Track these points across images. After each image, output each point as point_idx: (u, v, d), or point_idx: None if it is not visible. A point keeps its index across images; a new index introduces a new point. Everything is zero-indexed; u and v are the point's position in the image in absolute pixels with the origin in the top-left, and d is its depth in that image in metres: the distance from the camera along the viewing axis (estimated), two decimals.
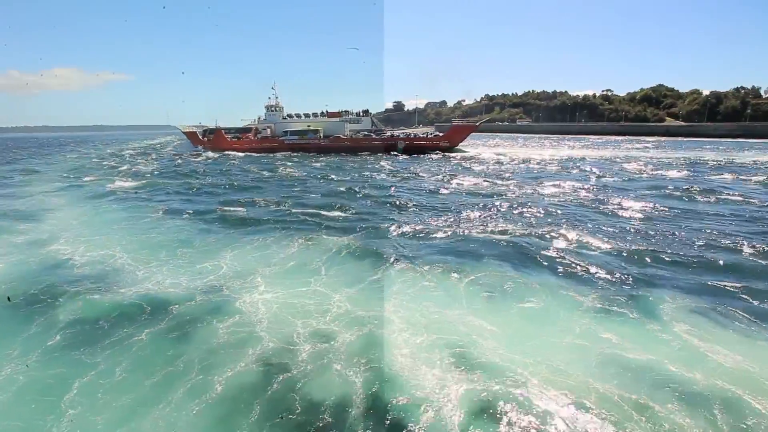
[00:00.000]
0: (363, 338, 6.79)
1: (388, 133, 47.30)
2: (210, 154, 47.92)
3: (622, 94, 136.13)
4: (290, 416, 5.20)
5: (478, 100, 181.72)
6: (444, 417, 5.03)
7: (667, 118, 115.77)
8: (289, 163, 37.16)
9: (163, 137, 65.27)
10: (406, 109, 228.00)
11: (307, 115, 49.91)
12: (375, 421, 5.04)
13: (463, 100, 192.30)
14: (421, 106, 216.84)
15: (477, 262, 10.09)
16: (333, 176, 27.75)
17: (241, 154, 45.76)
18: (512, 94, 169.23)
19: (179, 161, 41.38)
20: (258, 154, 45.90)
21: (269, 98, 51.87)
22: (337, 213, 15.98)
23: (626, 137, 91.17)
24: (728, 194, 19.50)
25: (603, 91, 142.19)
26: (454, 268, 9.67)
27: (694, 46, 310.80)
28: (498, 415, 5.09)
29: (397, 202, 17.86)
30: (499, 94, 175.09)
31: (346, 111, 49.26)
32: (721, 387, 5.55)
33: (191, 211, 16.49)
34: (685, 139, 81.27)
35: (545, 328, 7.04)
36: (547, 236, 12.30)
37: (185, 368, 6.19)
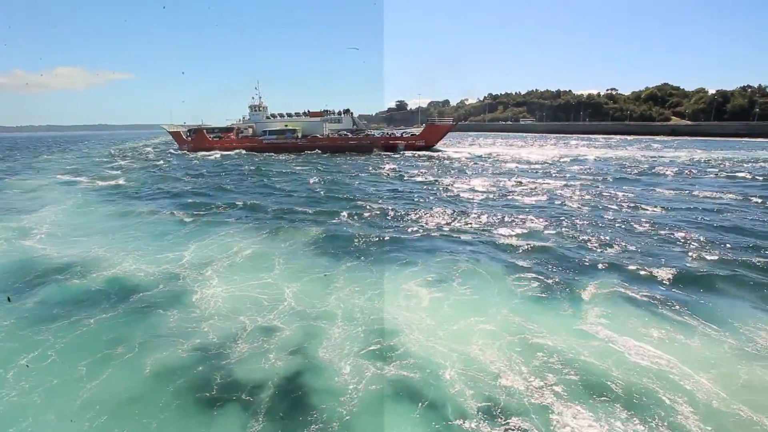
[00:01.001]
0: (300, 329, 6.97)
1: (366, 133, 48.20)
2: (192, 154, 48.30)
3: (627, 93, 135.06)
4: (207, 394, 5.48)
5: (481, 99, 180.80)
6: (352, 404, 5.20)
7: (673, 117, 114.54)
8: (262, 163, 37.65)
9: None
10: (408, 109, 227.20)
11: (290, 115, 50.30)
12: (288, 407, 5.19)
13: (466, 99, 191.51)
14: (424, 105, 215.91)
15: (423, 256, 10.38)
16: (301, 173, 28.25)
17: (218, 155, 46.14)
18: (515, 93, 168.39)
19: (157, 161, 41.60)
20: (236, 154, 46.48)
21: (252, 98, 52.38)
22: (298, 209, 16.38)
23: (633, 136, 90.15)
24: None
25: (607, 90, 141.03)
26: (399, 262, 9.98)
27: (699, 44, 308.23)
28: (405, 400, 5.26)
29: (357, 201, 17.92)
30: (503, 93, 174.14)
31: (326, 111, 49.58)
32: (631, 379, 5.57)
33: (158, 208, 16.91)
34: (691, 138, 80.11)
35: (474, 317, 7.25)
36: (485, 229, 12.98)
37: (123, 350, 6.47)
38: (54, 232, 13.34)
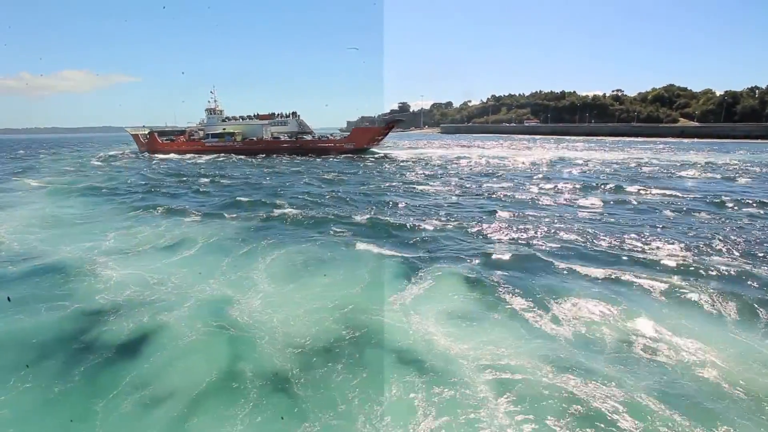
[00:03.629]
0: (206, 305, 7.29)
1: (310, 136, 49.14)
2: (142, 156, 49.69)
3: (633, 94, 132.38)
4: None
5: (485, 100, 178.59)
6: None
7: (681, 118, 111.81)
8: (197, 164, 38.67)
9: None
10: (411, 110, 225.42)
11: (243, 118, 51.39)
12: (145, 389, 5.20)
13: (469, 101, 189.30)
14: (427, 107, 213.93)
15: (311, 245, 10.84)
16: (216, 174, 29.44)
17: (164, 156, 47.46)
18: (519, 94, 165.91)
19: (97, 163, 41.76)
20: (180, 156, 47.47)
21: (209, 102, 53.13)
22: (194, 201, 17.81)
23: (639, 138, 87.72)
24: None
25: (613, 91, 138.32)
26: (293, 251, 10.34)
27: (704, 45, 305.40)
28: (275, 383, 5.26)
29: (271, 199, 18.33)
30: (506, 94, 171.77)
31: (273, 113, 50.69)
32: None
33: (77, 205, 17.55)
34: (704, 140, 77.56)
35: (328, 293, 7.71)
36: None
37: None
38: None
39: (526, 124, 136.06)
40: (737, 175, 26.03)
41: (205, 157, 44.77)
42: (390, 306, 7.14)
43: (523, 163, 34.85)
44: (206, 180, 25.67)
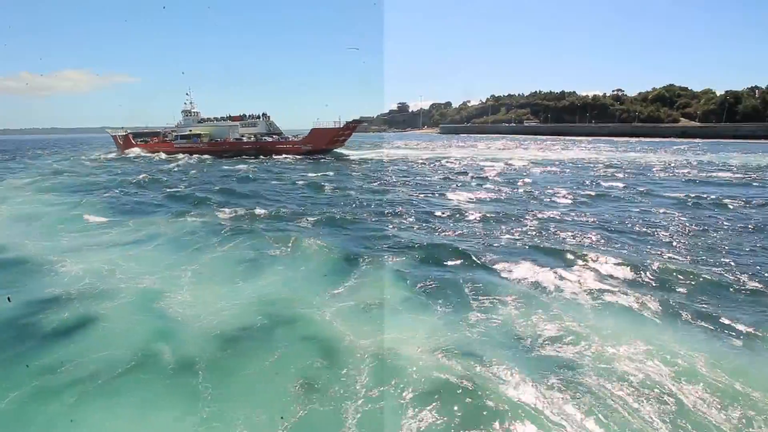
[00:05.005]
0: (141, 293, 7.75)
1: (277, 137, 49.26)
2: (113, 155, 50.87)
3: (633, 94, 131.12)
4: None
5: (484, 100, 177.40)
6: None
7: (682, 118, 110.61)
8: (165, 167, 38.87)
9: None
10: (410, 111, 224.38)
11: (216, 119, 52.08)
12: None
13: (468, 101, 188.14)
14: (426, 107, 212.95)
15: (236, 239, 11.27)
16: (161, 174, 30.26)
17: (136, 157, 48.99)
18: (518, 94, 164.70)
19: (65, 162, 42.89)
20: (151, 156, 48.81)
21: (185, 103, 53.45)
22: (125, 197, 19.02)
23: (639, 139, 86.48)
24: None
25: (613, 90, 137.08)
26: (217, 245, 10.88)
27: (703, 45, 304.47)
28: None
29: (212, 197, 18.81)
30: (506, 94, 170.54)
31: (244, 115, 51.04)
32: None
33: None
34: (706, 140, 76.30)
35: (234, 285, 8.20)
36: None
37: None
38: None
39: (526, 125, 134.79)
40: None
41: (180, 160, 44.76)
42: (316, 299, 7.36)
43: (509, 163, 34.32)
44: (175, 180, 25.93)
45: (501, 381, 5.03)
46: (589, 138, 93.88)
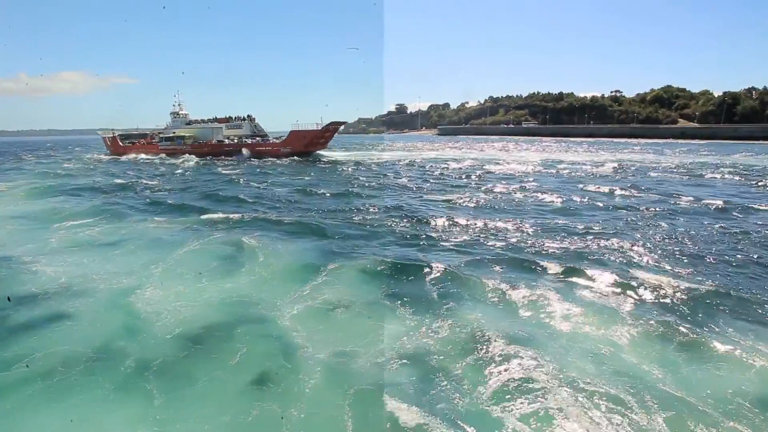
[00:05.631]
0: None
1: (258, 139, 49.56)
2: (102, 157, 51.35)
3: (631, 95, 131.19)
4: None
5: (482, 102, 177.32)
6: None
7: (680, 119, 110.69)
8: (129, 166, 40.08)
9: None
10: (408, 112, 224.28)
11: (204, 121, 52.68)
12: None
13: (467, 102, 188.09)
14: (424, 108, 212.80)
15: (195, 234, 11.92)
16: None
17: (124, 158, 49.55)
18: (517, 95, 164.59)
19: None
20: (138, 157, 49.40)
21: (173, 105, 53.73)
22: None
23: (639, 139, 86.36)
24: None
25: (612, 92, 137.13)
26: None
27: (699, 46, 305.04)
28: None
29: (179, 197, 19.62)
30: (504, 95, 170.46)
31: (230, 117, 51.52)
32: None
33: None
34: (708, 141, 76.19)
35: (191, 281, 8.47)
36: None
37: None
38: None
39: (524, 126, 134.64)
40: None
41: (160, 161, 45.47)
42: (280, 302, 7.33)
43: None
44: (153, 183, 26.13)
45: (455, 387, 5.00)
46: (590, 139, 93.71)
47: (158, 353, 5.76)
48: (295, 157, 43.46)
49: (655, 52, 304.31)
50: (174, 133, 51.59)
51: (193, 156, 46.66)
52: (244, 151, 45.78)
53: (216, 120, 51.74)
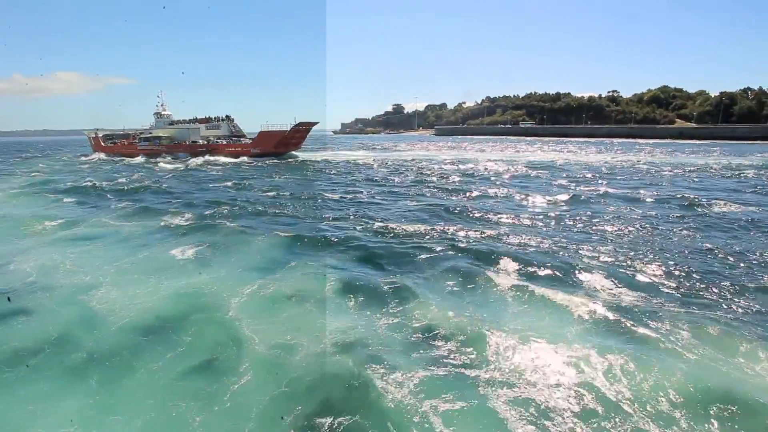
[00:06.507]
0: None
1: (237, 139, 49.95)
2: (86, 158, 52.48)
3: (628, 95, 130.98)
4: None
5: (479, 102, 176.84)
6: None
7: (677, 120, 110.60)
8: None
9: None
10: (405, 112, 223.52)
11: (185, 121, 53.06)
12: None
13: (464, 102, 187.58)
14: (421, 108, 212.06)
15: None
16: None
17: (105, 158, 51.22)
18: (514, 95, 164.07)
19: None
20: (118, 158, 50.20)
21: (156, 106, 54.63)
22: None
23: (635, 140, 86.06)
24: None
25: (609, 92, 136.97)
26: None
27: (695, 46, 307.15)
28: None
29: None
30: (501, 95, 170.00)
31: (209, 117, 51.98)
32: None
33: None
34: (705, 141, 75.96)
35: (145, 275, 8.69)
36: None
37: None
38: None
39: (522, 126, 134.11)
40: None
41: (136, 161, 46.18)
42: (237, 297, 7.37)
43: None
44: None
45: (397, 381, 5.05)
46: (591, 139, 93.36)
47: (106, 345, 5.90)
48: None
49: (651, 53, 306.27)
50: (150, 133, 52.50)
51: (168, 157, 46.87)
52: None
53: (196, 120, 52.25)
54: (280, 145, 44.97)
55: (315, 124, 47.23)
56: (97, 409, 4.69)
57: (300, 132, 45.91)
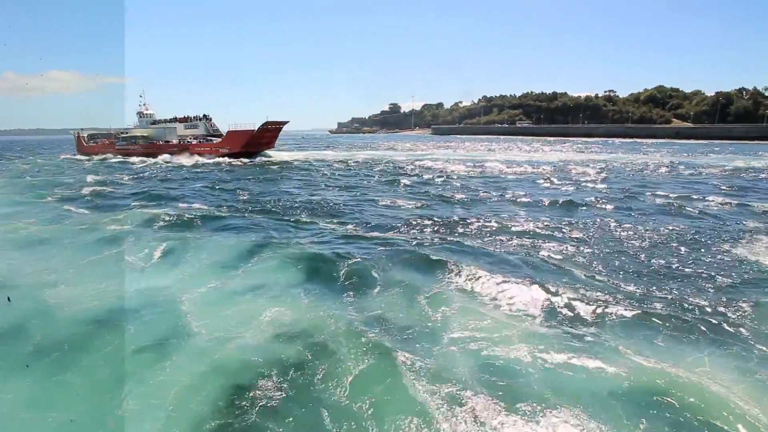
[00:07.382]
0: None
1: (211, 139, 49.73)
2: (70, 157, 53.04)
3: (624, 95, 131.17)
4: None
5: (476, 101, 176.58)
6: None
7: (674, 119, 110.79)
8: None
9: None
10: (402, 111, 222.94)
11: (166, 121, 53.06)
12: None
13: (461, 102, 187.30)
14: (418, 108, 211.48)
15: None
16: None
17: (85, 157, 51.14)
18: (510, 95, 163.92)
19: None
20: (97, 157, 50.24)
21: (139, 105, 54.26)
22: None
23: (633, 139, 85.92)
24: None
25: (605, 91, 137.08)
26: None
27: (691, 46, 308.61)
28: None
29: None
30: (497, 95, 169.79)
31: (187, 117, 51.67)
32: None
33: None
34: (702, 141, 75.87)
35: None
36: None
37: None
38: None
39: (519, 126, 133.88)
40: None
41: (111, 160, 46.42)
42: (197, 291, 7.47)
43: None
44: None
45: (343, 370, 5.12)
46: (590, 139, 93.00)
47: (55, 339, 5.88)
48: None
49: (647, 53, 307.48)
50: (126, 132, 52.62)
51: (141, 156, 46.91)
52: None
53: (176, 120, 51.81)
54: (249, 144, 44.01)
55: (285, 123, 46.08)
56: (34, 401, 4.76)
57: (270, 131, 45.04)
